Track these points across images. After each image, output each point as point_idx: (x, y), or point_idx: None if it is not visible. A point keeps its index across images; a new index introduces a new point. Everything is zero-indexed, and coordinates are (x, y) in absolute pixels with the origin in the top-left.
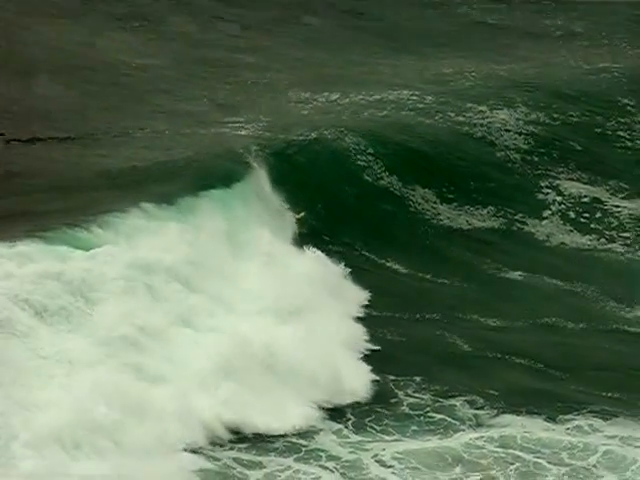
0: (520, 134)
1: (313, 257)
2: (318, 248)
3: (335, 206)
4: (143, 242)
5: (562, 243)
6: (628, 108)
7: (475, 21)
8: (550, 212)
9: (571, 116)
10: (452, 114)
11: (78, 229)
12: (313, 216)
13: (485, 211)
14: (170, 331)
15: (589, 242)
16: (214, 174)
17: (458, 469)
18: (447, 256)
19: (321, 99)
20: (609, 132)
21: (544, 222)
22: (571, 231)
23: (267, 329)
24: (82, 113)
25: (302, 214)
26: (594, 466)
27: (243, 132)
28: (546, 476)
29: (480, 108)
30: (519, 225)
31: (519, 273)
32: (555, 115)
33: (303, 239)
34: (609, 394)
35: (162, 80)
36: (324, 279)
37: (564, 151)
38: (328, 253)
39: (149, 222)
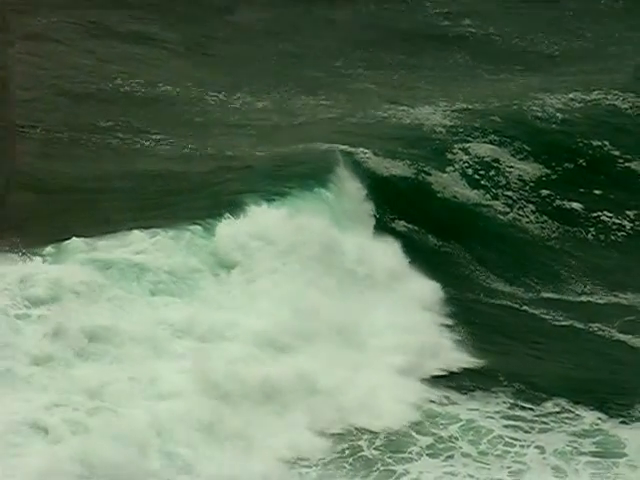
0: (445, 117)
1: None
2: None
3: None
4: None
5: (453, 196)
6: (539, 95)
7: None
8: (452, 168)
9: (490, 102)
10: (377, 112)
11: None
12: None
13: (401, 163)
14: None
15: (476, 197)
16: None
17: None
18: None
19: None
20: (524, 109)
21: (444, 175)
22: (464, 185)
23: None
24: None
25: None
26: (455, 438)
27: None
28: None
29: (401, 108)
30: (424, 176)
31: (403, 223)
32: (476, 104)
33: None
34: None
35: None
36: None
37: (483, 121)
38: None
39: None
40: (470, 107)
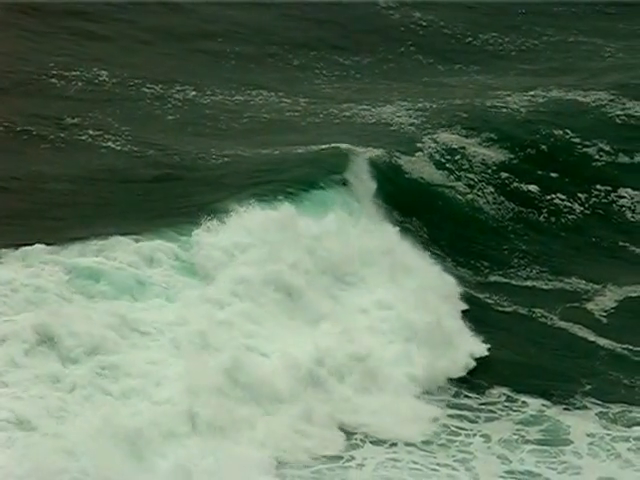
0: (410, 116)
1: None
2: None
3: None
4: None
5: (420, 177)
6: (500, 93)
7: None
8: (421, 153)
9: (452, 101)
10: (341, 112)
11: None
12: None
13: (376, 150)
14: None
15: (440, 177)
16: None
17: None
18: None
19: None
20: (487, 105)
21: (413, 159)
22: (430, 167)
23: None
24: None
25: None
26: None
27: None
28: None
29: (361, 107)
30: (395, 159)
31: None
32: (439, 102)
33: None
34: None
35: None
36: None
37: (449, 117)
38: None
39: None
40: (433, 106)
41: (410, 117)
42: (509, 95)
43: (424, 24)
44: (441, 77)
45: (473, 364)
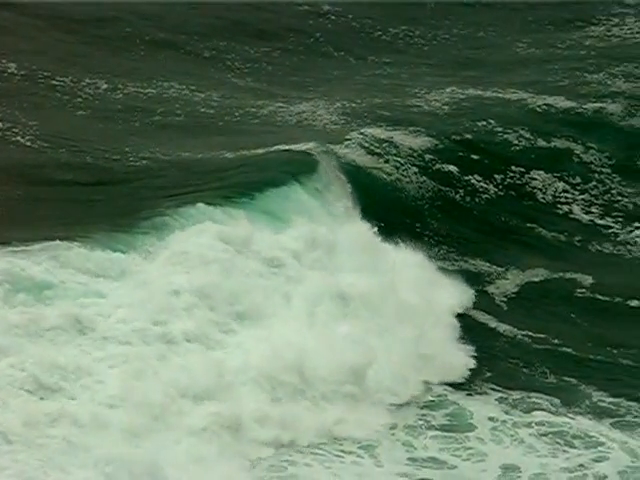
0: (330, 113)
1: None
2: None
3: None
4: None
5: (353, 161)
6: (417, 91)
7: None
8: (351, 142)
9: (371, 99)
10: (251, 109)
11: None
12: None
13: (308, 142)
14: None
15: (374, 162)
16: None
17: None
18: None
19: None
20: (407, 103)
21: (342, 146)
22: (363, 154)
23: None
24: None
25: None
26: None
27: None
28: None
29: (278, 104)
30: (331, 147)
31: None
32: (357, 100)
33: None
34: None
35: None
36: None
37: (371, 113)
38: None
39: None
40: (353, 104)
41: (332, 115)
42: (427, 93)
43: (333, 17)
44: (353, 71)
45: None
